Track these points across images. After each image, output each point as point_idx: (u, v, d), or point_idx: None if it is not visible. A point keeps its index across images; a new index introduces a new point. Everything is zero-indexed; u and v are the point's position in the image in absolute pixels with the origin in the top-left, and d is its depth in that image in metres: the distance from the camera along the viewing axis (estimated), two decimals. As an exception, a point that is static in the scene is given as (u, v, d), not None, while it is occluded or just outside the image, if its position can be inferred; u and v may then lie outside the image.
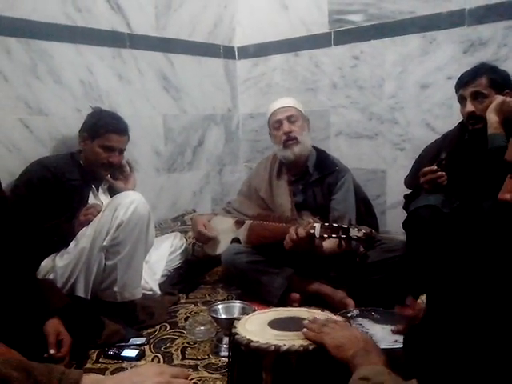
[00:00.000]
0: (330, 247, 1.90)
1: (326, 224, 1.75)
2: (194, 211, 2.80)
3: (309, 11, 2.75)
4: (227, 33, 3.02)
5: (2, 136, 1.95)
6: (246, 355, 1.07)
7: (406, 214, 2.05)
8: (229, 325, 1.56)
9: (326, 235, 1.73)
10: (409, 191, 2.12)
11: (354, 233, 1.69)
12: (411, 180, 2.13)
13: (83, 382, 0.69)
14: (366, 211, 2.28)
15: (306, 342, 1.03)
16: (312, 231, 1.75)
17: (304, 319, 1.12)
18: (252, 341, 1.05)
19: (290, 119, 2.16)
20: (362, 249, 2.04)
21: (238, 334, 1.10)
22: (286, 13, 2.85)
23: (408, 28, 2.41)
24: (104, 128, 1.91)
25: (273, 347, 1.02)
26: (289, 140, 2.13)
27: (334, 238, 1.73)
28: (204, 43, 2.86)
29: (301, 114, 2.21)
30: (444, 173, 1.84)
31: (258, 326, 1.15)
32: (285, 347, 1.02)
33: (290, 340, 1.05)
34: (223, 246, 2.18)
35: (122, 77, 2.41)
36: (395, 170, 2.57)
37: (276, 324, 1.16)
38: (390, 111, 2.55)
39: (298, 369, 1.02)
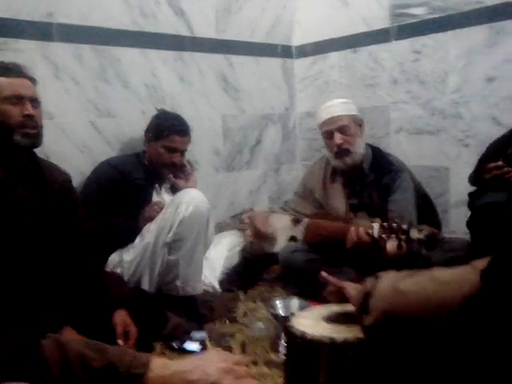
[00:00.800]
0: (393, 249, 1.85)
1: (385, 224, 1.71)
2: (252, 210, 2.84)
3: (369, 6, 2.71)
4: (285, 32, 3.04)
5: (74, 137, 2.08)
6: (301, 348, 1.09)
7: (471, 213, 1.98)
8: (288, 320, 1.58)
9: (384, 235, 1.70)
10: (474, 189, 2.04)
11: (414, 234, 1.64)
12: (476, 177, 2.04)
13: (152, 364, 0.73)
14: (426, 209, 2.21)
15: (361, 335, 1.03)
16: (370, 231, 1.72)
17: None
18: (307, 333, 1.06)
19: (341, 130, 2.08)
20: (424, 251, 1.99)
21: (292, 326, 1.12)
22: (346, 9, 2.83)
23: (474, 19, 2.31)
24: (167, 130, 1.99)
25: (327, 339, 1.03)
26: (340, 152, 2.09)
27: (392, 238, 1.69)
28: (262, 43, 2.89)
29: (353, 119, 2.12)
30: (511, 168, 1.75)
31: (312, 320, 1.16)
32: (340, 339, 1.02)
33: (344, 332, 1.05)
34: (281, 244, 2.20)
35: (183, 79, 2.49)
36: (459, 167, 2.47)
37: (330, 318, 1.17)
38: (453, 106, 2.46)
39: (354, 360, 1.02)
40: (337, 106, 2.13)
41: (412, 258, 1.92)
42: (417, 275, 0.76)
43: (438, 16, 2.44)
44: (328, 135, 2.12)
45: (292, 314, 1.24)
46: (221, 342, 1.71)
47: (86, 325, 1.47)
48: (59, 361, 0.70)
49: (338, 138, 2.06)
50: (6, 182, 1.31)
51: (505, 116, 2.28)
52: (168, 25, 2.39)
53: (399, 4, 2.58)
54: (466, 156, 2.45)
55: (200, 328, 1.80)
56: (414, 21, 2.53)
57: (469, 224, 1.95)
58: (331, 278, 1.20)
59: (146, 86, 2.33)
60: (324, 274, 1.24)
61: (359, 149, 2.11)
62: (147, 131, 2.07)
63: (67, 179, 1.62)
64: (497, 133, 2.13)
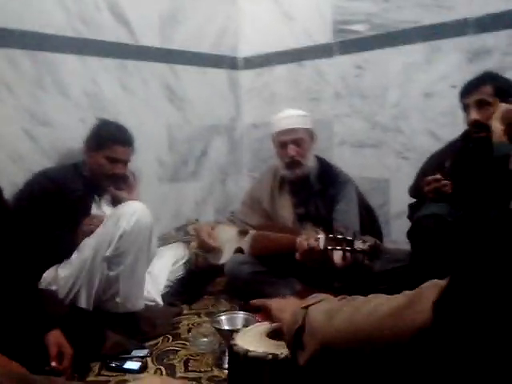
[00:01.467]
0: (340, 261, 1.87)
1: (331, 236, 1.72)
2: (197, 221, 2.80)
3: (312, 21, 2.77)
4: (231, 43, 3.04)
5: (6, 146, 1.96)
6: (244, 365, 1.07)
7: (411, 224, 2.04)
8: (231, 336, 1.55)
9: (330, 247, 1.71)
10: (413, 200, 2.11)
11: (358, 245, 1.66)
12: (415, 189, 2.11)
13: None
14: (369, 220, 2.26)
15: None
16: (316, 243, 1.73)
17: None
18: (249, 350, 1.04)
19: (295, 142, 2.09)
20: (367, 261, 2.02)
21: (236, 344, 1.10)
22: (290, 23, 2.87)
23: (412, 37, 2.41)
24: (109, 139, 1.92)
25: (270, 356, 1.01)
26: (292, 163, 2.10)
27: (338, 249, 1.70)
28: (208, 54, 2.88)
29: (308, 133, 2.14)
30: (448, 181, 1.82)
31: (256, 337, 1.14)
32: (282, 355, 1.01)
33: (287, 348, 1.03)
34: (227, 256, 2.17)
35: (126, 87, 2.42)
36: (399, 179, 2.55)
37: (274, 334, 1.15)
38: (393, 120, 2.54)
39: (296, 376, 1.01)
40: (295, 118, 2.13)
41: (355, 268, 1.95)
42: (349, 304, 0.76)
43: (378, 33, 2.52)
44: (282, 145, 2.12)
45: (236, 331, 1.22)
46: (163, 359, 1.65)
47: (19, 347, 1.37)
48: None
49: (291, 149, 2.07)
50: None
51: (441, 131, 2.37)
52: (109, 32, 2.32)
53: (341, 20, 2.65)
54: (406, 168, 2.53)
55: (141, 346, 1.73)
56: (356, 37, 2.61)
57: (409, 235, 2.00)
58: (256, 302, 1.18)
59: (86, 94, 2.24)
60: (252, 301, 1.21)
61: (309, 161, 2.13)
62: (87, 141, 1.99)
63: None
64: (434, 146, 2.21)
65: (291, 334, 0.82)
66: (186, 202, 2.83)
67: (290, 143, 2.07)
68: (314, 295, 0.94)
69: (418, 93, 2.44)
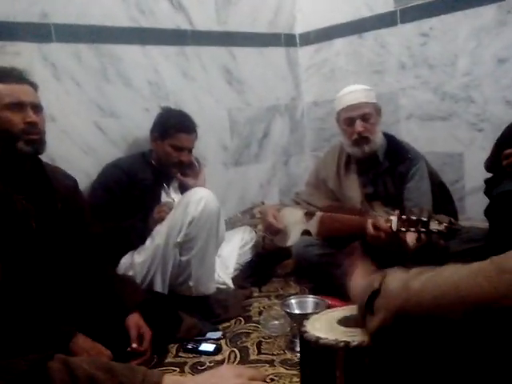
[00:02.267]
0: (413, 242, 1.81)
1: (404, 217, 1.65)
2: (263, 203, 2.81)
3: (372, -10, 2.63)
4: (288, 21, 2.97)
5: (78, 139, 2.05)
6: (316, 353, 1.06)
7: (488, 200, 1.92)
8: (302, 320, 1.55)
9: (403, 228, 1.65)
10: (489, 175, 1.98)
11: (434, 226, 1.59)
12: (492, 163, 1.98)
13: (164, 382, 0.70)
14: (443, 198, 2.16)
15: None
16: (388, 224, 1.67)
17: None
18: (321, 338, 1.03)
19: (363, 117, 2.00)
20: (442, 242, 1.94)
21: (306, 332, 1.09)
22: (348, -6, 2.75)
23: (482, -2, 2.23)
24: (174, 128, 1.96)
25: (342, 343, 0.99)
26: (360, 139, 2.01)
27: (412, 231, 1.64)
28: (265, 33, 2.83)
29: (375, 107, 2.06)
30: (530, 154, 1.69)
31: (326, 324, 1.13)
32: (354, 343, 0.99)
33: (359, 336, 1.01)
34: (293, 238, 2.16)
35: (186, 74, 2.44)
36: (474, 153, 2.41)
37: (345, 321, 1.13)
38: (464, 89, 2.38)
39: (371, 364, 0.99)
40: (361, 93, 2.04)
41: (430, 249, 1.87)
42: (427, 272, 0.72)
43: (445, -3, 2.36)
44: (349, 122, 2.03)
45: (306, 316, 1.21)
46: (237, 341, 1.68)
47: (100, 330, 1.45)
48: (68, 384, 0.67)
49: (359, 125, 1.99)
50: (6, 194, 1.28)
51: (519, 98, 2.21)
52: (167, 19, 2.33)
53: (404, -14, 2.50)
54: (480, 141, 2.38)
55: (215, 328, 1.78)
56: (420, 2, 2.45)
57: (487, 212, 1.89)
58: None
59: (149, 83, 2.29)
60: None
61: (378, 137, 2.05)
62: (153, 130, 2.04)
63: (73, 183, 1.60)
64: (511, 116, 2.06)
65: (364, 298, 0.80)
66: (251, 185, 2.84)
67: (358, 119, 1.99)
68: (395, 269, 0.91)
69: (490, 59, 2.27)
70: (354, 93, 2.03)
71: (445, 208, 2.09)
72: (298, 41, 3.04)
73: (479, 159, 2.10)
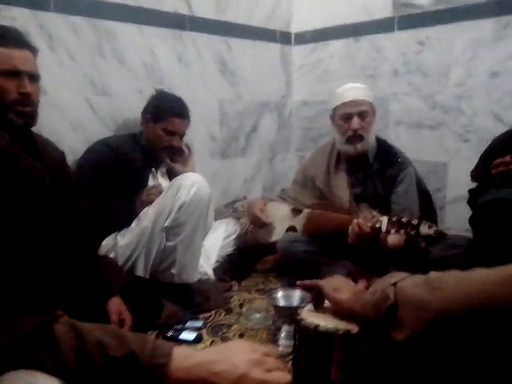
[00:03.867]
0: (394, 242, 1.82)
1: (394, 219, 1.65)
2: (245, 198, 2.78)
3: (372, -5, 2.65)
4: (285, 18, 2.96)
5: (67, 114, 1.97)
6: (313, 341, 1.05)
7: (470, 210, 1.95)
8: (288, 313, 1.53)
9: (393, 230, 1.65)
10: (473, 185, 2.02)
11: (424, 230, 1.59)
12: (478, 173, 2.01)
13: (175, 353, 0.67)
14: (426, 205, 2.19)
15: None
16: (378, 225, 1.67)
17: None
18: (320, 325, 1.02)
19: (361, 115, 2.00)
20: (423, 244, 1.96)
21: (303, 319, 1.07)
22: (348, -3, 2.76)
23: (480, 12, 2.28)
24: (167, 112, 1.91)
25: (341, 331, 0.99)
26: (354, 137, 2.01)
27: (401, 233, 1.64)
28: (261, 28, 2.81)
29: (371, 106, 2.06)
30: (518, 164, 1.72)
31: (322, 314, 1.12)
32: (354, 331, 0.98)
33: (355, 326, 1.01)
34: (278, 234, 2.15)
35: (181, 59, 2.40)
36: (458, 163, 2.46)
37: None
38: (455, 100, 2.43)
39: (369, 353, 0.98)
40: (361, 90, 2.04)
41: (411, 252, 1.89)
42: (447, 275, 0.71)
43: (442, 8, 2.40)
44: (345, 118, 2.02)
45: (295, 308, 1.20)
46: (217, 332, 1.65)
47: (81, 314, 1.39)
48: (75, 348, 0.63)
49: (356, 122, 1.98)
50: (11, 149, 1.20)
51: (507, 112, 2.26)
52: (166, 2, 2.28)
53: (403, -6, 2.53)
54: (466, 151, 2.43)
55: (195, 317, 1.74)
56: (419, 11, 2.49)
57: (471, 220, 1.92)
58: (306, 282, 1.16)
59: (144, 65, 2.23)
60: (298, 282, 1.19)
61: (371, 137, 2.05)
62: (145, 112, 1.98)
63: (61, 156, 1.53)
64: (498, 129, 2.11)
65: (381, 311, 0.79)
66: (235, 178, 2.81)
67: (355, 115, 1.99)
68: (389, 275, 0.90)
69: (483, 71, 2.32)
70: (355, 89, 2.03)
71: (427, 215, 2.11)
72: (293, 39, 3.03)
73: (463, 170, 2.14)
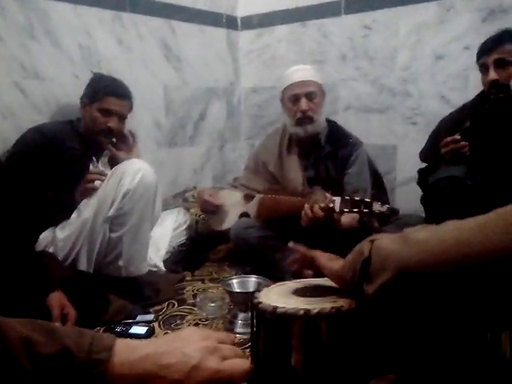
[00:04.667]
0: (347, 222, 1.80)
1: (347, 197, 1.63)
2: (195, 189, 2.69)
3: (318, -22, 2.62)
4: (230, 1, 2.88)
5: (-5, 100, 1.81)
6: (272, 324, 0.98)
7: (420, 190, 1.97)
8: (245, 299, 1.47)
9: (346, 209, 1.62)
10: (422, 166, 2.04)
11: (377, 207, 1.57)
12: (428, 153, 2.04)
13: (117, 347, 0.58)
14: (377, 186, 2.19)
15: (337, 304, 0.94)
16: (331, 205, 1.64)
17: (329, 287, 1.03)
18: (278, 307, 0.96)
19: (308, 96, 1.97)
20: (376, 224, 1.96)
21: (261, 302, 1.01)
22: (293, -20, 2.72)
23: (424, -5, 2.30)
24: (103, 91, 1.78)
25: (302, 311, 0.93)
26: (304, 118, 1.98)
27: (355, 212, 1.62)
28: (207, 11, 2.72)
29: (320, 88, 2.03)
30: (467, 142, 1.75)
31: (282, 295, 1.06)
32: (315, 310, 0.93)
33: (319, 304, 0.95)
34: (231, 221, 2.07)
35: (122, 42, 2.27)
36: (406, 145, 2.48)
37: (301, 292, 1.07)
38: (402, 83, 2.45)
39: (330, 333, 0.93)
40: (308, 71, 2.01)
41: (365, 231, 1.88)
42: (426, 229, 0.67)
43: (388, -9, 2.41)
44: (294, 99, 1.98)
45: (258, 290, 1.13)
46: (171, 324, 1.56)
47: (20, 311, 1.27)
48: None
49: (304, 103, 1.95)
50: None
51: (452, 94, 2.30)
52: (105, -20, 2.15)
53: (349, -23, 2.52)
54: (414, 134, 2.45)
55: (146, 311, 1.64)
56: (365, -5, 2.48)
57: (423, 199, 1.94)
58: (300, 248, 1.11)
59: (80, 47, 2.08)
60: (291, 244, 1.14)
61: (321, 119, 2.02)
62: (82, 96, 1.84)
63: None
64: (445, 111, 2.13)
65: (356, 268, 0.74)
66: (184, 168, 2.71)
67: (303, 97, 1.95)
68: (375, 235, 0.85)
69: (428, 54, 2.35)
70: (302, 70, 2.00)
71: (378, 197, 2.11)
72: (239, 23, 2.96)
73: (412, 152, 2.16)
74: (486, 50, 1.81)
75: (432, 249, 0.59)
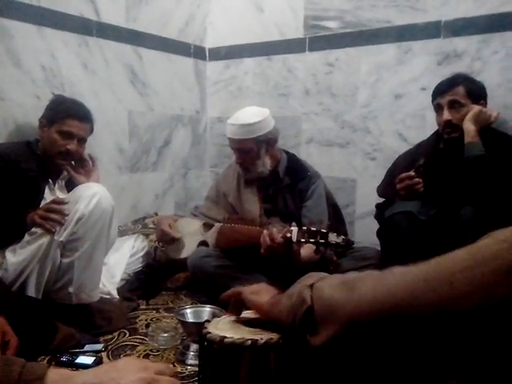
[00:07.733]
0: (307, 255, 1.81)
1: (304, 228, 1.65)
2: (156, 215, 2.66)
3: (284, 15, 2.71)
4: (199, 32, 2.94)
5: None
6: (219, 354, 0.97)
7: (378, 224, 2.01)
8: (198, 330, 1.44)
9: (303, 239, 1.63)
10: (380, 201, 2.09)
11: (332, 238, 1.59)
12: (385, 189, 2.09)
13: (49, 376, 0.56)
14: (335, 218, 2.22)
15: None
16: (289, 235, 1.65)
17: None
18: (226, 337, 0.95)
19: (241, 151, 2.00)
20: (334, 257, 1.98)
21: (209, 332, 0.99)
22: (261, 16, 2.80)
23: (384, 37, 2.41)
24: (63, 112, 1.76)
25: (249, 341, 0.92)
26: (242, 169, 2.07)
27: (311, 242, 1.63)
28: (175, 40, 2.75)
29: (257, 140, 1.96)
30: (421, 179, 1.81)
31: (230, 325, 1.05)
32: (262, 340, 0.92)
33: (267, 334, 0.95)
34: (188, 250, 2.05)
35: (87, 66, 2.26)
36: (366, 180, 2.54)
37: (250, 323, 1.06)
38: (362, 120, 2.53)
39: (278, 363, 0.92)
40: (239, 128, 1.96)
41: (323, 264, 1.89)
42: (367, 275, 0.67)
43: (350, 31, 2.51)
44: (232, 150, 2.06)
45: (208, 321, 1.11)
46: (120, 354, 1.51)
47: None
48: None
49: (238, 157, 2.03)
50: None
51: (410, 132, 2.39)
52: (72, 4, 2.15)
53: (313, 15, 2.61)
54: (372, 169, 2.52)
55: (95, 340, 1.59)
56: (328, 33, 2.58)
57: (379, 233, 1.98)
58: (227, 292, 1.09)
59: (43, 68, 2.06)
60: (223, 294, 1.12)
61: (263, 166, 2.02)
62: (41, 117, 1.81)
63: None
64: (402, 148, 2.22)
65: (297, 316, 0.73)
66: (146, 194, 2.68)
67: (236, 151, 2.02)
68: (308, 274, 0.85)
69: (387, 93, 2.44)
70: (236, 126, 1.97)
71: (337, 228, 2.14)
72: (207, 54, 3.01)
73: (371, 186, 2.22)
74: (440, 91, 1.90)
75: (381, 302, 0.59)
